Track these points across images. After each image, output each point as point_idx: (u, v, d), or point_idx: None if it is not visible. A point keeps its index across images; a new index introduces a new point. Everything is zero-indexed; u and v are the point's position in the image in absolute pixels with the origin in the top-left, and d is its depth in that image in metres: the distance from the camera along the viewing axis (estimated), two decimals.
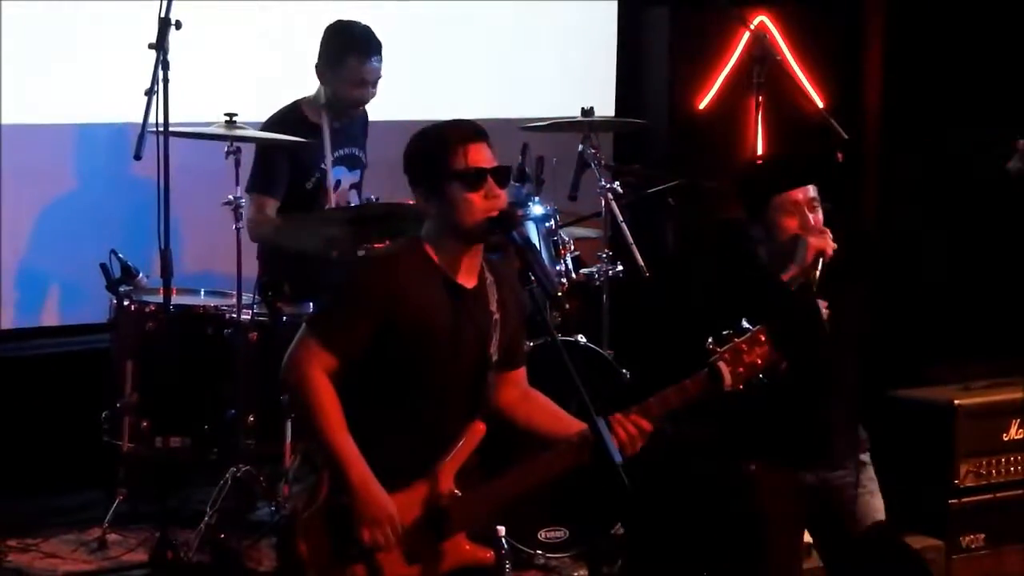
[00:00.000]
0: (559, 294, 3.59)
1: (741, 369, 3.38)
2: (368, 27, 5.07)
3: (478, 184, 3.37)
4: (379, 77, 5.05)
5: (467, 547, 3.39)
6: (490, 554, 3.37)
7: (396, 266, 3.39)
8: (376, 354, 3.34)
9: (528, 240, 3.67)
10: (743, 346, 3.39)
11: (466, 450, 3.39)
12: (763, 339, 3.39)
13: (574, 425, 3.48)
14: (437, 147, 3.40)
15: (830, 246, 3.87)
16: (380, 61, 5.04)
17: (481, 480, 3.43)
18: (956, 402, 5.03)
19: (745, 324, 3.41)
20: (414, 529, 3.35)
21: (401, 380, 3.37)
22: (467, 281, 3.43)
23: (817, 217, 3.92)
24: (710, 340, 3.40)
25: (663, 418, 3.43)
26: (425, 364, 3.36)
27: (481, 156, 3.40)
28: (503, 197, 3.41)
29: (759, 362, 3.38)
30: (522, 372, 3.59)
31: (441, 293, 3.38)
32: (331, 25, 5.07)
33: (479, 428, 3.41)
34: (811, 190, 3.94)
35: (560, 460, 3.43)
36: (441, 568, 3.38)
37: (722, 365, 3.38)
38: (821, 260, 3.84)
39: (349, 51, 4.99)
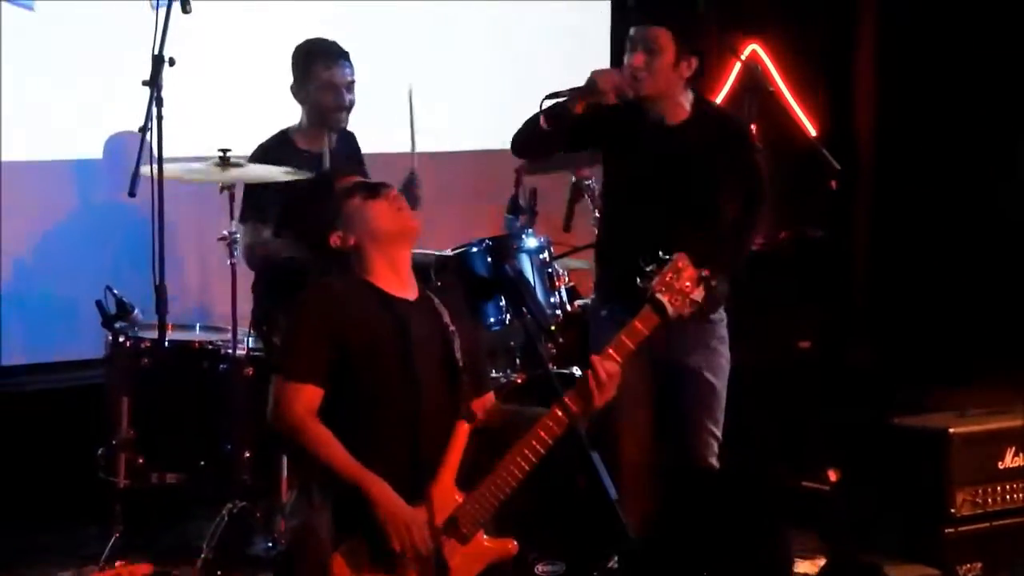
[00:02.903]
0: (553, 328, 3.60)
1: (677, 299, 3.49)
2: (331, 39, 5.13)
3: (377, 192, 3.50)
4: (352, 81, 5.10)
5: (488, 545, 3.43)
6: (512, 543, 3.43)
7: (330, 287, 3.47)
8: (345, 380, 3.39)
9: (521, 273, 3.69)
10: (669, 275, 3.50)
11: (456, 453, 3.43)
12: (681, 264, 3.50)
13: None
14: (309, 210, 3.55)
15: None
16: (349, 66, 5.10)
17: (480, 475, 3.46)
18: (951, 430, 5.02)
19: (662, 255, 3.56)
20: (434, 543, 3.38)
21: (376, 398, 3.41)
22: (409, 293, 3.50)
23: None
24: (638, 280, 3.52)
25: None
26: (392, 376, 3.41)
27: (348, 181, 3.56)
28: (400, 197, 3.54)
29: (688, 284, 3.50)
30: (491, 396, 3.65)
31: (380, 306, 3.45)
32: (296, 47, 5.14)
33: (464, 428, 3.45)
34: None
35: (546, 432, 3.44)
36: (475, 573, 3.42)
37: (660, 296, 3.48)
38: None
39: (315, 60, 5.06)
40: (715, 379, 4.47)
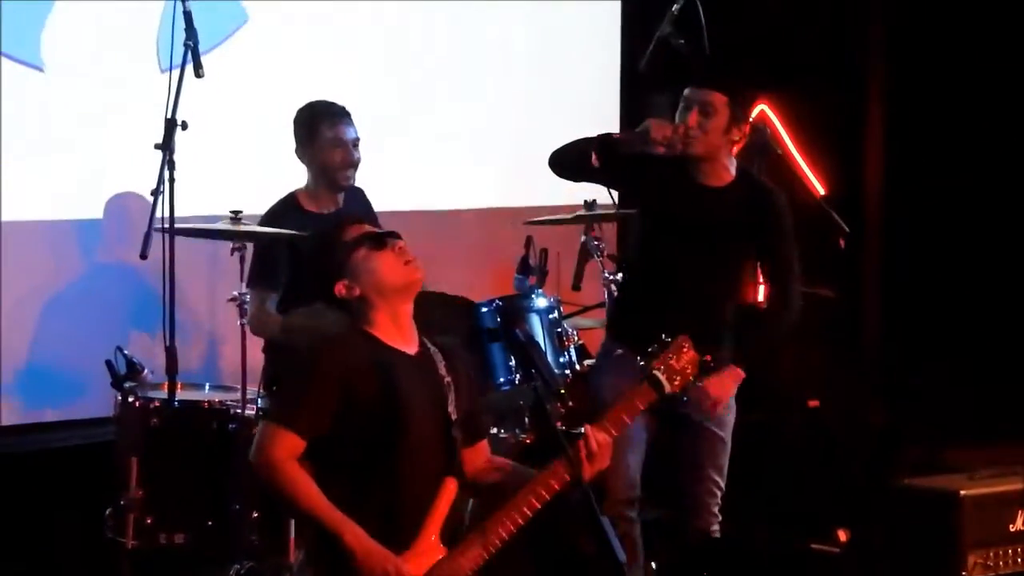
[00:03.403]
0: (563, 390, 3.62)
1: (676, 378, 3.57)
2: (331, 100, 5.18)
3: (383, 243, 3.52)
4: (357, 139, 5.13)
5: None
6: None
7: (343, 345, 3.49)
8: (340, 431, 3.40)
9: (531, 336, 3.71)
10: (670, 355, 3.58)
11: (443, 508, 3.44)
12: (686, 347, 3.60)
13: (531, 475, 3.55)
14: (318, 257, 3.59)
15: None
16: (352, 124, 5.14)
17: (466, 533, 3.47)
18: (962, 492, 5.00)
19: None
20: None
21: (369, 451, 3.41)
22: (410, 348, 3.51)
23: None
24: (639, 358, 3.63)
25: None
26: (389, 432, 3.42)
27: (357, 230, 3.57)
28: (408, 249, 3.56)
29: (689, 368, 3.59)
30: (485, 444, 3.65)
31: (387, 360, 3.46)
32: (297, 111, 5.18)
33: (452, 485, 3.46)
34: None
35: (544, 488, 3.45)
36: None
37: (658, 375, 3.57)
38: None
39: (319, 120, 5.10)
40: (722, 431, 4.56)
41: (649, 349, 3.60)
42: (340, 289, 3.50)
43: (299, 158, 5.14)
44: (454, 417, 3.50)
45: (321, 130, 5.09)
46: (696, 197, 4.50)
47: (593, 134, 4.54)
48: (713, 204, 4.49)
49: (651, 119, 4.48)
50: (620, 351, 4.50)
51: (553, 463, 3.45)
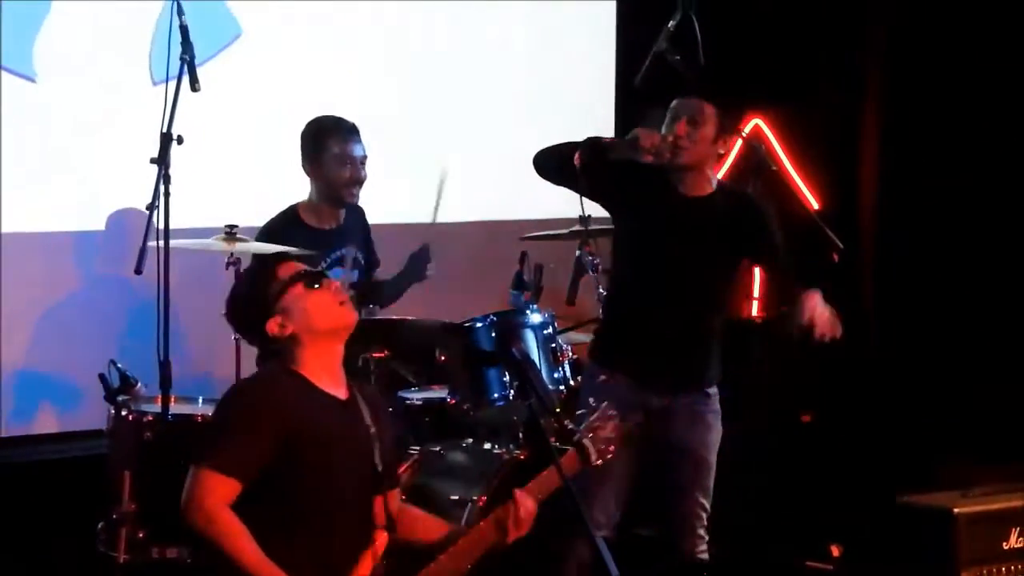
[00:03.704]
0: (558, 408, 3.62)
1: (601, 445, 3.65)
2: (339, 116, 5.18)
3: (319, 282, 3.43)
4: (364, 156, 5.14)
5: None
6: None
7: (275, 385, 3.39)
8: (270, 476, 3.30)
9: (526, 355, 3.71)
10: (597, 423, 3.66)
11: (372, 559, 3.39)
12: (612, 413, 3.68)
13: (445, 529, 3.57)
14: (250, 291, 3.48)
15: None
16: (360, 142, 5.14)
17: None
18: (956, 510, 5.01)
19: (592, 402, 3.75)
20: None
21: (300, 498, 3.33)
22: (340, 392, 3.45)
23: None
24: (567, 422, 3.68)
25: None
26: (320, 478, 3.34)
27: (293, 268, 3.48)
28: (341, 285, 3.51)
29: (613, 434, 3.66)
30: (396, 491, 3.58)
31: (319, 405, 3.39)
32: (306, 125, 5.18)
33: (383, 537, 3.42)
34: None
35: (477, 545, 3.46)
36: None
37: (586, 442, 3.63)
38: None
39: (328, 136, 5.11)
40: (708, 454, 4.54)
41: (578, 412, 3.68)
42: (272, 326, 3.39)
43: (304, 171, 5.13)
44: (380, 468, 3.44)
45: (329, 145, 5.08)
46: (680, 207, 4.48)
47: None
48: (698, 214, 4.47)
49: (639, 128, 4.47)
50: (603, 376, 4.48)
51: (480, 524, 3.48)
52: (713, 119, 4.44)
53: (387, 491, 3.47)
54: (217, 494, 3.27)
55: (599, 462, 3.64)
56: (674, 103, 4.51)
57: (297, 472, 3.31)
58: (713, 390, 4.55)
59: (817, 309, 4.39)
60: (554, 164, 4.54)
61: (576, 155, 4.42)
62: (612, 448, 3.66)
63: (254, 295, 3.44)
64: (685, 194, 4.49)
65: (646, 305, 4.47)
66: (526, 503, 3.48)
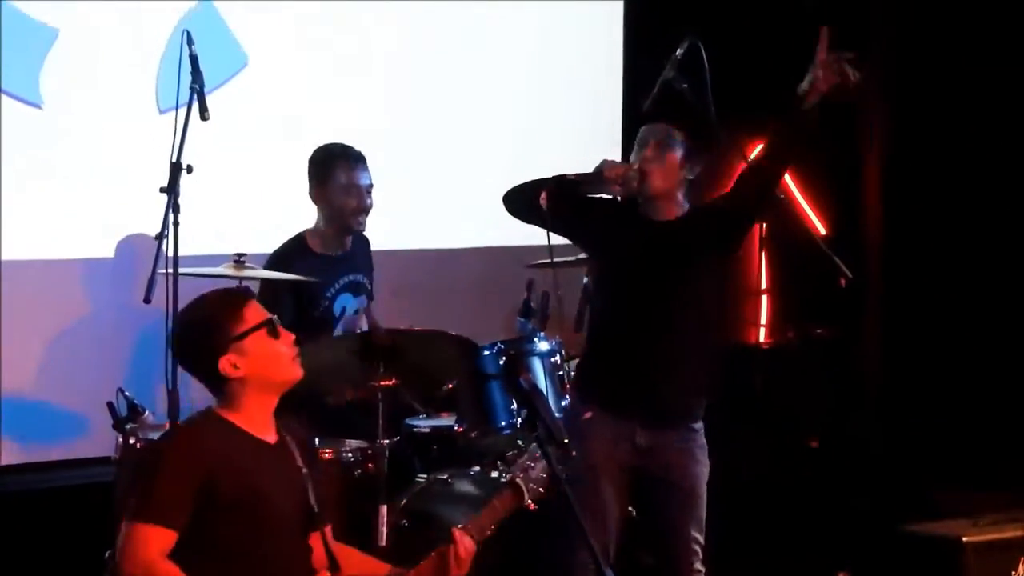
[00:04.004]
0: (566, 440, 3.61)
1: (532, 486, 3.65)
2: (347, 144, 5.18)
3: (278, 333, 3.42)
4: (371, 185, 5.14)
5: None
6: None
7: (200, 433, 3.39)
8: (206, 523, 3.28)
9: (534, 385, 3.70)
10: (529, 463, 3.67)
11: None
12: (538, 456, 3.66)
13: (383, 568, 3.55)
14: (213, 323, 3.41)
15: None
16: (367, 170, 5.14)
17: None
18: (964, 539, 4.98)
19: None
20: None
21: (235, 544, 3.32)
22: (269, 437, 3.44)
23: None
24: (498, 463, 3.75)
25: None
26: (253, 523, 3.33)
27: (259, 311, 3.45)
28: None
29: (544, 475, 3.66)
30: (330, 527, 3.57)
31: (248, 451, 3.37)
32: (313, 152, 5.19)
33: None
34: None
35: None
36: None
37: (519, 482, 3.64)
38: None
39: (334, 164, 5.10)
40: (698, 486, 4.47)
41: (507, 453, 3.65)
42: (226, 365, 3.37)
43: (311, 198, 5.15)
44: (316, 508, 3.44)
45: (336, 173, 5.09)
46: (649, 234, 4.42)
47: None
48: (667, 239, 4.41)
49: (604, 159, 4.43)
50: (589, 414, 4.42)
51: (420, 565, 3.48)
52: (681, 144, 4.41)
53: (323, 528, 3.48)
54: (153, 545, 3.24)
55: (532, 504, 3.64)
56: (642, 130, 4.48)
57: (230, 517, 3.30)
58: (699, 425, 4.48)
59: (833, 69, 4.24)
60: (523, 203, 4.50)
61: (542, 194, 4.38)
62: (543, 488, 3.66)
63: (214, 328, 3.40)
64: (654, 220, 4.44)
65: (624, 337, 4.41)
66: (464, 541, 3.49)
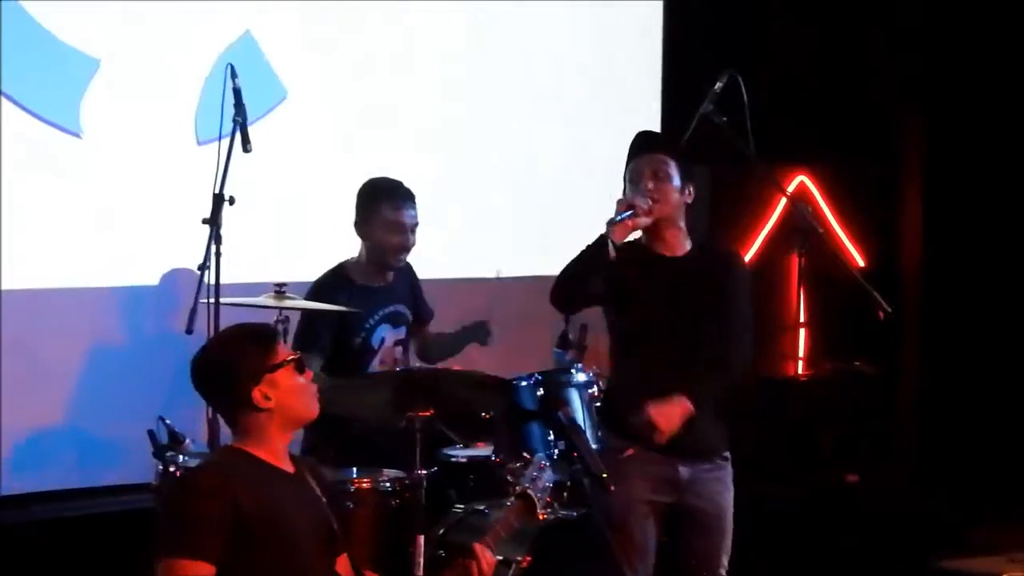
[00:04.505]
0: (604, 474, 3.62)
1: (540, 494, 3.66)
2: (397, 180, 5.19)
3: (302, 368, 3.50)
4: (416, 223, 5.15)
5: None
6: None
7: (225, 466, 3.44)
8: (239, 555, 3.32)
9: (572, 419, 3.71)
10: (535, 473, 3.69)
11: None
12: (543, 465, 3.69)
13: None
14: (249, 353, 3.47)
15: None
16: (414, 208, 5.14)
17: None
18: (1004, 575, 4.98)
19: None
20: None
21: (266, 571, 3.35)
22: (287, 467, 3.51)
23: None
24: (507, 476, 3.81)
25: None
26: (284, 550, 3.37)
27: (285, 348, 3.55)
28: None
29: (548, 485, 3.68)
30: (346, 556, 3.62)
31: (272, 480, 3.44)
32: (362, 184, 5.20)
33: None
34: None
35: None
36: None
37: (530, 492, 3.65)
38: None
39: (382, 200, 5.11)
40: (729, 516, 4.49)
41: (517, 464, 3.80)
42: (259, 395, 3.44)
43: (356, 231, 5.16)
44: (338, 533, 3.50)
45: (381, 210, 5.09)
46: (660, 269, 4.42)
47: None
48: (679, 275, 4.42)
49: (618, 199, 4.38)
50: (631, 451, 4.41)
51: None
52: (676, 169, 4.41)
53: (341, 554, 3.55)
54: None
55: (543, 514, 3.66)
56: (631, 164, 4.46)
57: (261, 545, 3.35)
58: (728, 454, 4.51)
59: (663, 428, 4.31)
60: (571, 297, 4.43)
61: (608, 248, 4.30)
62: (551, 499, 3.69)
63: (251, 358, 3.47)
64: (664, 255, 4.45)
65: (659, 374, 4.40)
66: (486, 555, 3.52)
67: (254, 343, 3.50)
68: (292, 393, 3.48)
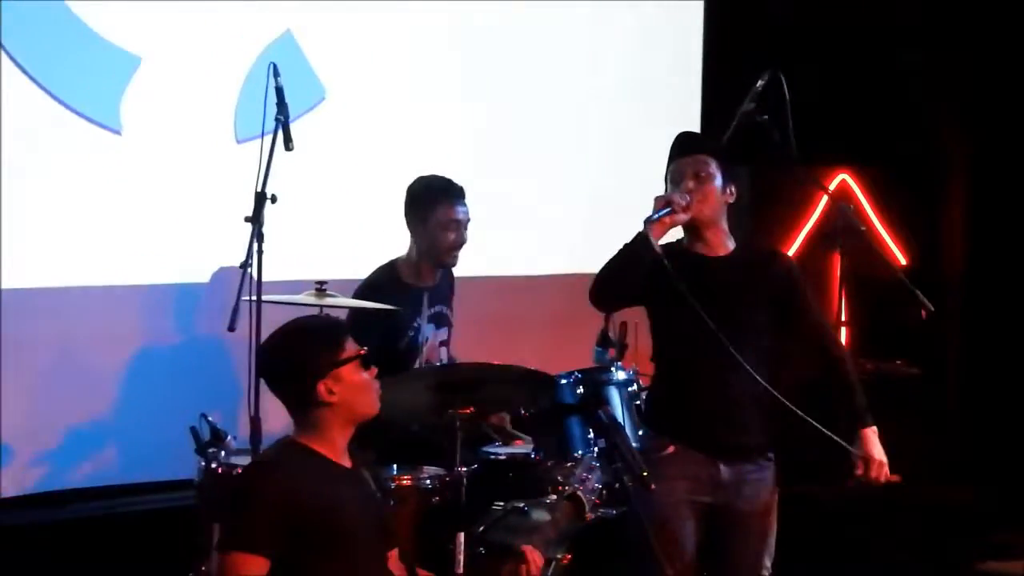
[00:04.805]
0: (645, 473, 3.62)
1: (590, 495, 3.76)
2: (447, 177, 5.19)
3: (368, 364, 3.52)
4: (468, 219, 5.14)
5: None
6: None
7: (284, 461, 3.46)
8: (298, 549, 3.34)
9: (613, 417, 3.71)
10: (585, 475, 3.81)
11: None
12: (594, 466, 3.79)
13: None
14: (318, 346, 3.49)
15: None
16: (464, 204, 5.13)
17: None
18: None
19: None
20: None
21: (329, 565, 3.38)
22: (346, 462, 3.53)
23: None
24: (559, 477, 3.87)
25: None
26: (344, 544, 3.40)
27: (354, 344, 3.54)
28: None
29: (600, 486, 3.79)
30: (396, 552, 3.65)
31: (331, 476, 3.46)
32: (412, 182, 5.19)
33: None
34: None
35: None
36: None
37: (580, 495, 3.73)
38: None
39: (436, 198, 5.09)
40: (773, 517, 4.47)
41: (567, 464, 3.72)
42: (323, 389, 3.46)
43: (408, 228, 5.14)
44: (390, 527, 3.57)
45: (435, 208, 5.08)
46: (703, 269, 4.40)
47: None
48: (722, 275, 4.39)
49: (656, 196, 4.35)
50: (672, 449, 4.38)
51: None
52: (716, 169, 4.39)
53: (392, 549, 3.59)
54: (247, 572, 3.31)
55: (590, 515, 3.65)
56: (672, 166, 4.43)
57: (321, 543, 3.37)
58: (771, 455, 4.49)
59: (881, 461, 4.48)
60: (625, 268, 4.36)
61: (652, 247, 4.29)
62: (598, 500, 3.67)
63: (319, 351, 3.49)
64: (706, 255, 4.43)
65: (703, 373, 4.38)
66: (534, 557, 3.56)
67: (323, 336, 3.53)
68: (356, 389, 3.49)
